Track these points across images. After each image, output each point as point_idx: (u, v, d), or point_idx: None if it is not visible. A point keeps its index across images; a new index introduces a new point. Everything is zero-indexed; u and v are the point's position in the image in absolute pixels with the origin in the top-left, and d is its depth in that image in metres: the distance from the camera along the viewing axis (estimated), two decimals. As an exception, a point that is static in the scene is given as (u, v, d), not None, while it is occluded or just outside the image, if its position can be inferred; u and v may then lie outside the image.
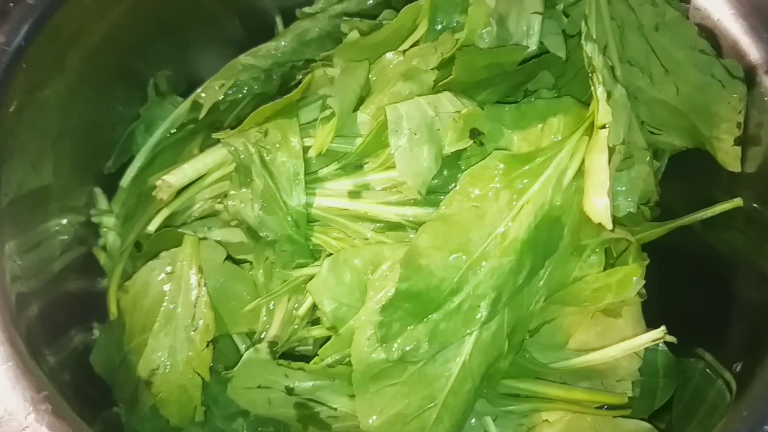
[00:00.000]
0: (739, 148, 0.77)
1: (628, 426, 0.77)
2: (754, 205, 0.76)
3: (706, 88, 0.77)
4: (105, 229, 0.92)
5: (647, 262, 0.75)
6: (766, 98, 0.75)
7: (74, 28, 0.83)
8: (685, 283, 0.85)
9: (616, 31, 0.77)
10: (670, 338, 0.74)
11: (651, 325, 0.77)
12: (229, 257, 0.85)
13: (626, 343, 0.75)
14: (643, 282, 0.74)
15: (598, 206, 0.67)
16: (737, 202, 0.77)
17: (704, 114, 0.79)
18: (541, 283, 0.72)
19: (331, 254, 0.78)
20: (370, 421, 0.71)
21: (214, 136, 0.87)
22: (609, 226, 0.67)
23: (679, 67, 0.78)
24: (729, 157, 0.78)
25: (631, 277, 0.73)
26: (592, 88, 0.70)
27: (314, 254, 0.82)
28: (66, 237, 0.87)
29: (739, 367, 0.71)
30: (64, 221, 0.87)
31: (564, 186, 0.70)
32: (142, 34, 0.94)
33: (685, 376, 0.79)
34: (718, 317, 0.80)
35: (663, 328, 0.73)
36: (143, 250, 0.88)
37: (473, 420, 0.76)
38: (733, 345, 0.76)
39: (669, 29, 0.78)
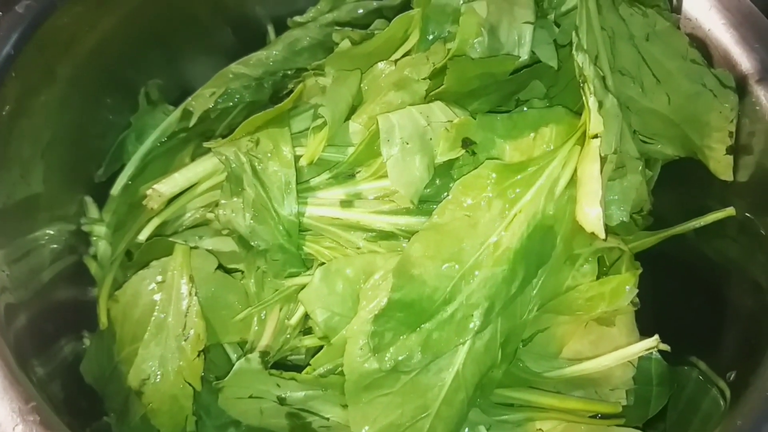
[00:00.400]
0: (731, 157, 0.77)
1: (622, 435, 0.77)
2: (747, 214, 0.76)
3: (698, 97, 0.77)
4: (96, 238, 0.91)
5: (640, 271, 0.75)
6: (757, 107, 0.75)
7: (64, 37, 0.83)
8: (678, 292, 0.85)
9: (607, 41, 0.77)
10: (664, 346, 0.74)
11: (645, 333, 0.77)
12: (220, 266, 0.84)
13: (620, 352, 0.74)
14: (636, 291, 0.74)
15: (591, 216, 0.67)
16: (730, 211, 0.77)
17: (696, 123, 0.79)
18: (534, 292, 0.72)
19: (323, 263, 0.78)
20: (363, 431, 0.70)
21: (205, 145, 0.87)
22: (602, 235, 0.67)
23: (671, 77, 0.78)
24: (721, 166, 0.78)
25: (624, 285, 0.73)
26: (584, 98, 0.71)
27: (306, 264, 0.82)
28: (56, 246, 0.87)
29: (733, 375, 0.71)
30: (54, 230, 0.87)
31: (556, 195, 0.70)
32: (133, 42, 0.93)
33: (679, 384, 0.79)
34: (712, 326, 0.80)
35: (656, 336, 0.73)
36: (134, 260, 0.88)
37: (466, 429, 0.76)
38: (727, 353, 0.75)
39: (660, 39, 0.78)
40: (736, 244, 0.78)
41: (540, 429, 0.77)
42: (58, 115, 0.86)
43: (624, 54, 0.78)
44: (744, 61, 0.75)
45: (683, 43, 0.78)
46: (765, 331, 0.68)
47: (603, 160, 0.68)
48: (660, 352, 0.76)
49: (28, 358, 0.72)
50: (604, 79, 0.74)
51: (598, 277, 0.75)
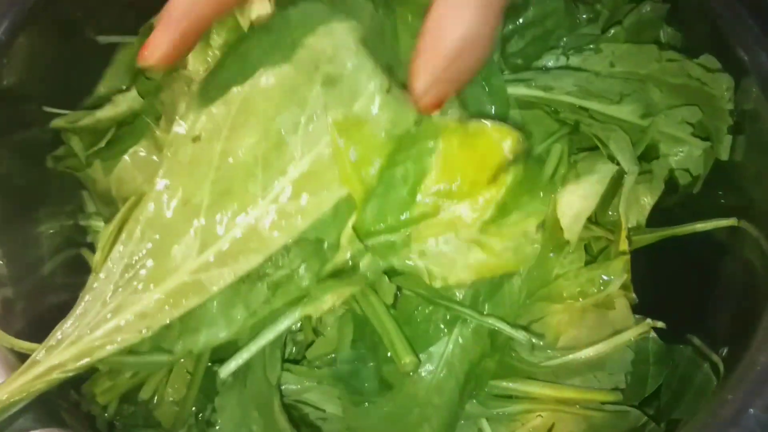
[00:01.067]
0: (730, 137, 0.77)
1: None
2: (739, 195, 0.78)
3: (686, 89, 0.77)
4: (94, 232, 0.91)
5: (628, 256, 0.74)
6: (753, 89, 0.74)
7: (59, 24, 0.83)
8: (673, 268, 0.84)
9: (562, 95, 0.78)
10: (660, 324, 0.75)
11: (642, 311, 0.77)
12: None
13: (614, 339, 0.75)
14: (625, 276, 0.74)
15: (565, 221, 0.70)
16: (732, 221, 0.76)
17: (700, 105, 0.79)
18: (521, 279, 0.72)
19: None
20: (358, 422, 0.72)
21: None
22: (573, 242, 0.71)
23: (650, 79, 0.79)
24: (722, 146, 0.77)
25: (613, 271, 0.73)
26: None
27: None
28: (55, 240, 0.87)
29: (725, 351, 0.71)
30: (53, 224, 0.87)
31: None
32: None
33: (674, 362, 0.78)
34: (706, 302, 0.80)
35: (648, 320, 0.74)
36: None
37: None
38: (720, 330, 0.75)
39: (625, 60, 0.79)
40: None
41: (540, 415, 0.77)
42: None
43: (597, 88, 0.79)
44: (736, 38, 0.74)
45: (651, 51, 0.79)
46: (757, 307, 0.67)
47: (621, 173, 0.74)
48: (655, 330, 0.76)
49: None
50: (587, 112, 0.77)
51: (586, 264, 0.75)
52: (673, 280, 0.84)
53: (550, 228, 0.71)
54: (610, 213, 0.78)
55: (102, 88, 0.90)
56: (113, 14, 0.90)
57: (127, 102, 0.85)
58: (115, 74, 0.90)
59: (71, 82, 0.88)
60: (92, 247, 0.91)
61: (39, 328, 0.76)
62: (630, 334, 0.74)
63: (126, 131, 0.86)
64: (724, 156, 0.77)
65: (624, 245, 0.75)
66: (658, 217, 0.80)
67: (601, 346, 0.75)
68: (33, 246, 0.83)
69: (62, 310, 0.83)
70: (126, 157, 0.82)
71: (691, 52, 0.78)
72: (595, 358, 0.76)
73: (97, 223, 0.90)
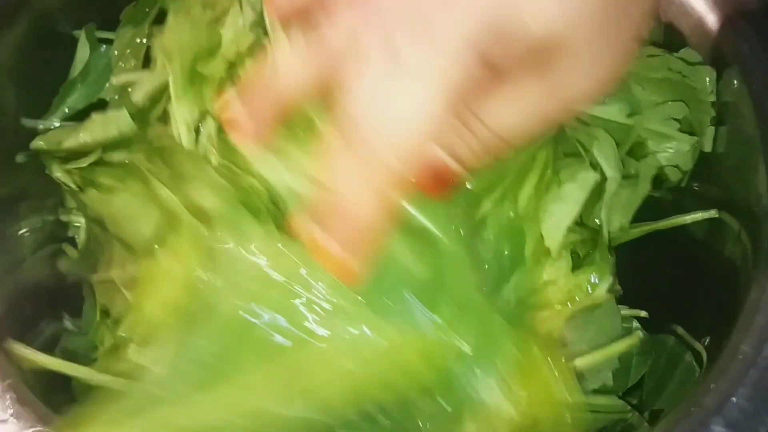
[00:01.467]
0: (713, 129, 0.78)
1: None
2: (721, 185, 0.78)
3: (667, 82, 0.78)
4: (74, 227, 0.91)
5: (613, 259, 0.75)
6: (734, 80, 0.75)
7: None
8: (656, 259, 0.84)
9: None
10: (643, 314, 0.76)
11: (625, 301, 0.77)
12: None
13: (603, 351, 0.75)
14: (611, 279, 0.74)
15: (547, 231, 0.71)
16: (712, 213, 0.77)
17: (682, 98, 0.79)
18: (511, 290, 0.72)
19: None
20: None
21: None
22: (554, 252, 0.71)
23: (631, 76, 0.79)
24: (705, 138, 0.79)
25: (599, 275, 0.74)
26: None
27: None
28: (36, 235, 0.86)
29: (708, 340, 0.72)
30: (33, 221, 0.86)
31: (520, 201, 0.72)
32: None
33: (657, 352, 0.78)
34: (689, 292, 0.80)
35: (638, 331, 0.76)
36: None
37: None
38: (703, 319, 0.76)
39: None
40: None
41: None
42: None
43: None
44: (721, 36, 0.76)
45: None
46: (738, 297, 0.68)
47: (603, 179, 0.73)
48: (639, 320, 0.77)
49: (4, 339, 0.71)
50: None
51: (572, 270, 0.75)
52: (656, 270, 0.84)
53: (538, 236, 0.72)
54: (596, 221, 0.78)
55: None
56: (91, 8, 0.90)
57: (117, 125, 0.81)
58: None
59: (48, 77, 0.88)
60: (73, 242, 0.90)
61: (20, 317, 0.76)
62: (619, 347, 0.75)
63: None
64: (707, 147, 0.78)
65: (606, 254, 0.75)
66: (641, 208, 0.81)
67: (589, 358, 0.75)
68: (15, 242, 0.82)
69: (44, 299, 0.83)
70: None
71: (671, 46, 0.80)
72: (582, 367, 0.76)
73: (78, 218, 0.89)
